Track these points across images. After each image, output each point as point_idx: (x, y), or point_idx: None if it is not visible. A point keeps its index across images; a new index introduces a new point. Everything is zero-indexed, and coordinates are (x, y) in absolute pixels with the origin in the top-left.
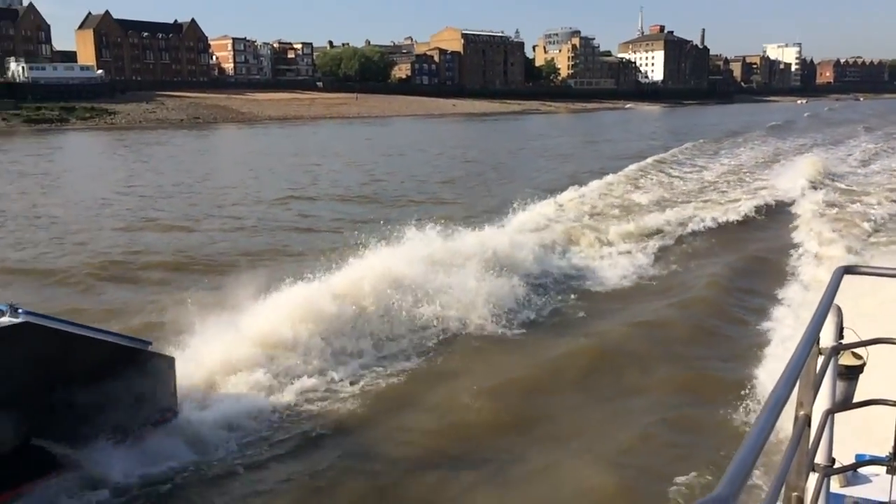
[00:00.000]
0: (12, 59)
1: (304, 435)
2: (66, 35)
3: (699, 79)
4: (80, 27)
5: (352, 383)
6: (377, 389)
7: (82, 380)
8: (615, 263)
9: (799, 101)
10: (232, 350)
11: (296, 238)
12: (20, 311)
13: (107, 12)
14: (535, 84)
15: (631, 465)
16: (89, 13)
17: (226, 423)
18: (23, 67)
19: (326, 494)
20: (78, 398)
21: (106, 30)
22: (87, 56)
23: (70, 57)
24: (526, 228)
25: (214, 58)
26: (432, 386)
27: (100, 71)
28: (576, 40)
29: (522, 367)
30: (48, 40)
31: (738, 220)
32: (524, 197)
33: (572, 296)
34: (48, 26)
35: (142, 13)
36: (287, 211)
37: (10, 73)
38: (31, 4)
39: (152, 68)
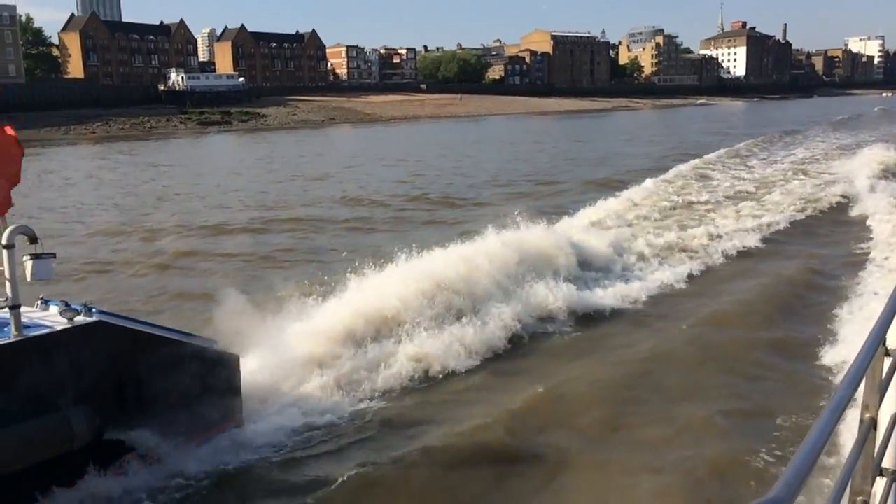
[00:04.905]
0: (172, 69)
1: (373, 428)
2: None
3: (781, 73)
4: (219, 39)
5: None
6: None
7: (151, 377)
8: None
9: (884, 94)
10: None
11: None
12: (94, 310)
13: (242, 26)
14: (619, 82)
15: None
16: (226, 27)
17: (290, 420)
18: (182, 77)
19: (385, 494)
20: (147, 395)
21: (242, 41)
22: (224, 65)
23: (204, 67)
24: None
25: (329, 64)
26: (492, 388)
27: (241, 79)
28: (659, 38)
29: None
30: (195, 52)
31: (801, 217)
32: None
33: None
34: (195, 40)
35: (257, 24)
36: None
37: (170, 82)
38: (181, 21)
39: (279, 75)
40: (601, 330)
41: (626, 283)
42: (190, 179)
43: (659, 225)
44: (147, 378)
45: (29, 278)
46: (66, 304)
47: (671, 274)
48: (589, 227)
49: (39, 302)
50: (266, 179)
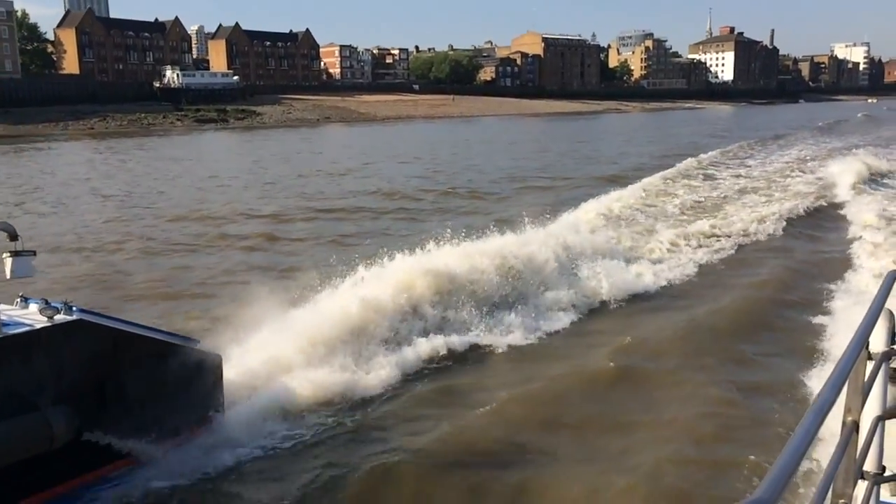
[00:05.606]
0: (168, 67)
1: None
2: None
3: (768, 78)
4: (213, 37)
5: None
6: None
7: (132, 376)
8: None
9: (869, 100)
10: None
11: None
12: (74, 308)
13: (237, 24)
14: (609, 85)
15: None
16: (220, 25)
17: (272, 416)
18: (178, 74)
19: (371, 489)
20: (128, 394)
21: (236, 40)
22: (218, 63)
23: (196, 64)
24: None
25: (323, 63)
26: (478, 382)
27: (235, 77)
28: (649, 42)
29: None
30: (190, 50)
31: (786, 221)
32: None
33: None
34: (189, 37)
35: (246, 22)
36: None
37: (166, 79)
38: (176, 18)
39: (273, 74)
40: (655, 302)
41: (664, 265)
42: (219, 173)
43: (679, 217)
44: (128, 377)
45: (8, 276)
46: (46, 302)
47: (702, 254)
48: (613, 219)
49: (19, 299)
50: (292, 174)
